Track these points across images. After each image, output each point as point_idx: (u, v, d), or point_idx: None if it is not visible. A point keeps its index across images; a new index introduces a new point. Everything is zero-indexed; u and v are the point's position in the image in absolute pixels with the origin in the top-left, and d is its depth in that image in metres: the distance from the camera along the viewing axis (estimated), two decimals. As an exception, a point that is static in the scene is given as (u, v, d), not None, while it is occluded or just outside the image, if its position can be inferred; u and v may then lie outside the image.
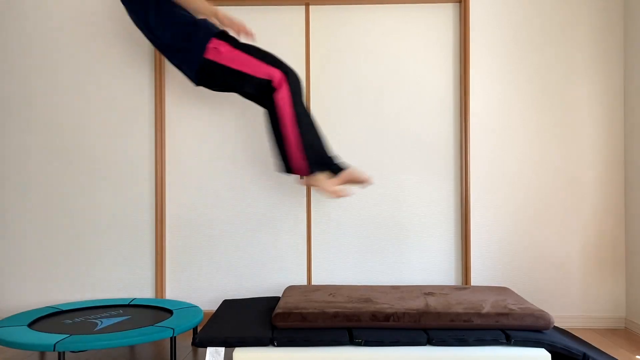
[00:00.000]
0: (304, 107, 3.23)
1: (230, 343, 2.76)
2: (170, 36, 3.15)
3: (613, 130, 4.01)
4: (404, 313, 2.87)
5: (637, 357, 3.36)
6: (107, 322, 3.27)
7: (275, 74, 3.15)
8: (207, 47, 3.11)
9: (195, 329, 3.58)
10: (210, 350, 2.77)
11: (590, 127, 4.02)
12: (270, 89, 3.16)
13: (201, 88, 4.06)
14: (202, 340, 2.77)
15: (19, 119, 4.09)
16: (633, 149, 3.89)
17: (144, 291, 4.07)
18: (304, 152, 3.16)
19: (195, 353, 3.50)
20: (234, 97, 4.07)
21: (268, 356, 2.74)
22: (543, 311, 2.91)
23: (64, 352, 2.85)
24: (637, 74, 3.84)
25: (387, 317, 2.87)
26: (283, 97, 3.12)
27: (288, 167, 3.25)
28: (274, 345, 2.77)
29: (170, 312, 3.49)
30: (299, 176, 3.33)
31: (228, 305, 3.46)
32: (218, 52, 3.12)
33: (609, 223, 4.02)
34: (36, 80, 4.10)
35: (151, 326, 3.11)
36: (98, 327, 3.16)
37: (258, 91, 3.21)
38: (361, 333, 2.81)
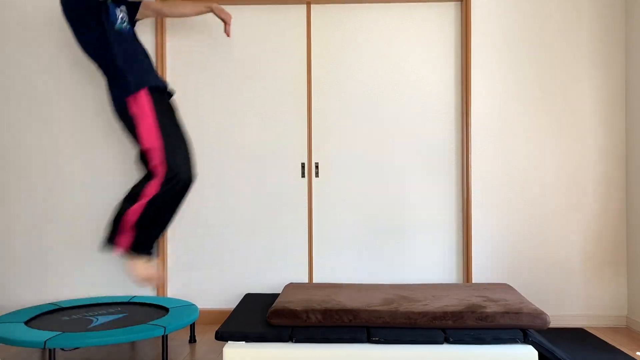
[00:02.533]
0: (165, 208, 3.08)
1: (250, 338, 2.85)
2: (122, 65, 3.09)
3: (614, 130, 3.95)
4: (420, 312, 2.90)
5: (639, 353, 3.33)
6: (102, 319, 3.33)
7: (159, 173, 3.00)
8: (137, 92, 3.04)
9: (192, 327, 3.63)
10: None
11: (591, 127, 3.96)
12: (149, 173, 3.08)
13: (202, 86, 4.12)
14: (223, 335, 2.86)
15: (19, 118, 4.17)
16: (634, 148, 3.82)
17: (146, 289, 4.12)
18: (135, 232, 3.05)
19: (192, 351, 3.54)
20: (234, 98, 4.10)
21: (287, 352, 2.84)
22: (540, 311, 2.89)
23: (54, 350, 2.91)
24: (638, 74, 3.77)
25: (407, 316, 2.91)
26: (152, 188, 3.00)
27: (112, 237, 3.08)
28: (292, 342, 2.83)
29: (166, 310, 3.53)
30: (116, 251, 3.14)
31: (250, 300, 3.54)
32: (139, 107, 3.05)
33: (610, 222, 3.96)
34: (36, 78, 4.16)
35: (144, 324, 3.15)
36: (92, 325, 3.21)
37: (142, 161, 3.14)
38: (379, 332, 2.84)
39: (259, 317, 3.15)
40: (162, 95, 3.20)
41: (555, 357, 2.69)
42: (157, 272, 3.16)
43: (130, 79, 3.05)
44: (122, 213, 2.99)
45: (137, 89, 3.04)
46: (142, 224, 3.02)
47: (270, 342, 2.85)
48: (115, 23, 3.15)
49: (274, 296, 3.63)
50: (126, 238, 3.03)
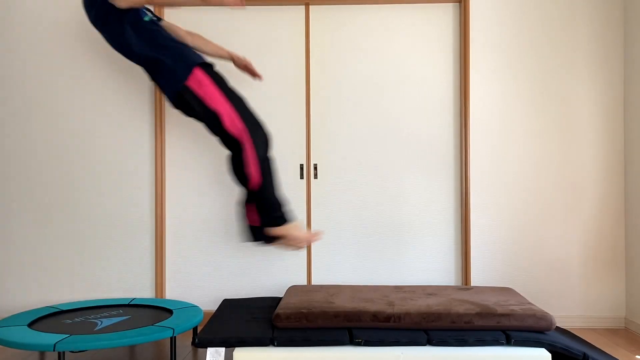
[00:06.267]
0: (268, 163, 3.13)
1: (230, 343, 2.77)
2: (154, 53, 3.08)
3: (613, 130, 4.01)
4: (405, 314, 2.87)
5: (637, 357, 3.36)
6: (107, 322, 3.27)
7: (244, 137, 3.04)
8: (191, 73, 3.03)
9: (195, 329, 3.57)
10: (210, 351, 2.77)
11: (590, 127, 4.02)
12: (238, 145, 3.07)
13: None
14: (202, 340, 2.78)
15: (21, 121, 4.09)
16: (633, 148, 3.89)
17: (144, 291, 4.07)
18: (262, 206, 3.11)
19: (195, 353, 3.50)
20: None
21: (268, 356, 2.75)
22: (545, 312, 2.90)
23: (64, 352, 2.85)
24: (637, 74, 3.84)
25: (388, 317, 2.87)
26: (248, 154, 3.03)
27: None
28: (274, 345, 2.77)
29: (170, 312, 3.49)
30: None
31: (228, 305, 3.46)
32: (199, 84, 3.04)
33: (608, 223, 4.02)
34: (38, 82, 4.09)
35: (151, 326, 3.11)
36: (98, 327, 3.15)
37: (224, 139, 3.11)
38: (361, 333, 2.81)
39: (236, 321, 3.11)
40: (210, 68, 3.16)
41: (572, 352, 2.71)
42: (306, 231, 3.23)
43: (178, 65, 3.04)
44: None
45: (190, 70, 3.03)
46: (265, 194, 3.09)
47: (251, 347, 2.80)
48: (142, 18, 3.13)
49: (251, 300, 3.60)
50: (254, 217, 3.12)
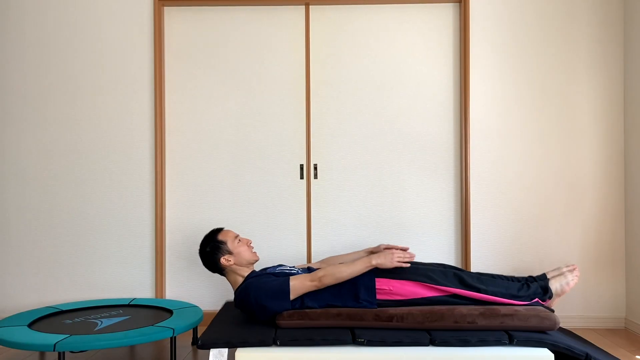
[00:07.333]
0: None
1: (233, 344, 2.75)
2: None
3: (613, 130, 4.01)
4: (407, 313, 2.86)
5: (637, 357, 3.36)
6: (107, 322, 3.27)
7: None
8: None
9: (195, 329, 3.58)
10: (213, 352, 2.76)
11: (590, 127, 4.02)
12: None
13: (200, 83, 4.08)
14: (205, 342, 2.75)
15: (19, 120, 4.08)
16: (633, 149, 3.89)
17: (144, 291, 4.06)
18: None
19: (195, 353, 3.49)
20: (233, 100, 4.07)
21: (270, 356, 2.73)
22: (549, 312, 2.89)
23: (64, 352, 2.85)
24: (636, 74, 3.84)
25: (390, 317, 2.85)
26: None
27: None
28: (276, 345, 2.75)
29: (170, 312, 3.48)
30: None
31: (230, 307, 3.44)
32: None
33: (608, 223, 4.02)
34: (34, 81, 4.08)
35: (151, 326, 3.10)
36: (98, 327, 3.15)
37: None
38: (364, 333, 2.80)
39: (239, 321, 3.07)
40: None
41: (574, 353, 2.70)
42: None
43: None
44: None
45: None
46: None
47: (254, 347, 2.77)
48: None
49: None
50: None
